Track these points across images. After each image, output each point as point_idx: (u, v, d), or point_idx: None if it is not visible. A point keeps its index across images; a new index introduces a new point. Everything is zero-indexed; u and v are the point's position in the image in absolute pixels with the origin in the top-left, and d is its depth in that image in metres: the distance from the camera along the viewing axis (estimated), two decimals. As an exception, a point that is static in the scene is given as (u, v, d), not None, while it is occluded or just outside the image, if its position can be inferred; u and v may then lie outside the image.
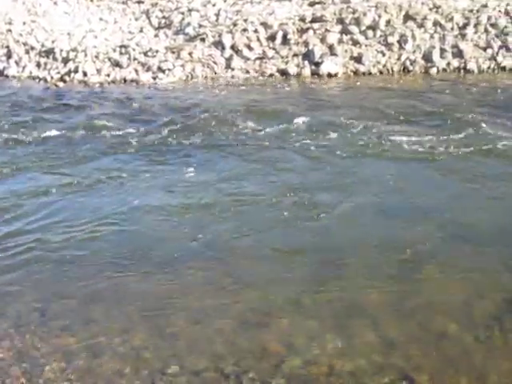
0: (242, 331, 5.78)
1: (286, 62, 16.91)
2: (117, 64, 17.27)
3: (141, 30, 19.50)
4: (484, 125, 11.44)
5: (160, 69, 17.04)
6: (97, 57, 17.59)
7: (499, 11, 19.42)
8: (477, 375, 5.12)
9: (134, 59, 17.39)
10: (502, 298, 6.16)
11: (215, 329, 5.79)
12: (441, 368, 5.21)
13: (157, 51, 17.70)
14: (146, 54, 17.66)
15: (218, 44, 17.75)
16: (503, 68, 16.93)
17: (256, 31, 17.98)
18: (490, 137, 10.82)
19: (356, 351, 5.45)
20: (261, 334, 5.72)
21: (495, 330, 5.68)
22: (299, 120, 12.05)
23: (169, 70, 17.00)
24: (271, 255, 7.07)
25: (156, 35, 19.10)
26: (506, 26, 18.27)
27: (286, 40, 17.60)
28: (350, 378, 5.14)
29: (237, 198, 8.54)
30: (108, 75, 16.97)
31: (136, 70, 17.03)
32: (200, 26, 18.76)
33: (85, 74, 16.99)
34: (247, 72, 17.05)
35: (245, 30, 18.07)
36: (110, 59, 17.46)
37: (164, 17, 20.10)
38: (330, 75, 16.31)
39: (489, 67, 16.97)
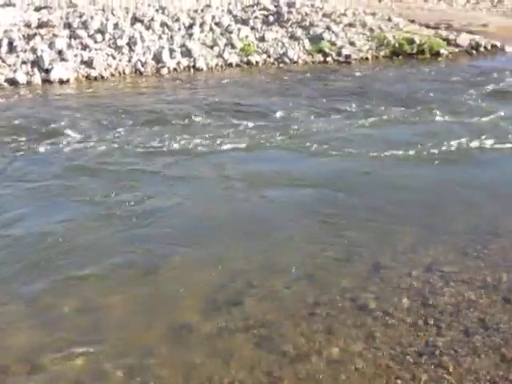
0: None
1: (15, 71, 16.26)
2: None
3: None
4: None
5: None
6: None
7: (222, 10, 20.42)
8: (221, 362, 5.45)
9: None
10: (241, 285, 6.60)
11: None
12: (186, 360, 5.45)
13: None
14: None
15: None
16: (230, 64, 17.82)
17: (-21, 40, 17.13)
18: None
19: (107, 358, 5.51)
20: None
21: (236, 316, 6.05)
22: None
23: None
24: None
25: None
26: (229, 25, 19.23)
27: (12, 47, 16.96)
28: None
29: None
30: None
31: None
32: None
33: None
34: (-28, 84, 16.18)
35: (-35, 38, 17.14)
36: None
37: None
38: (61, 81, 15.96)
39: (217, 64, 17.76)
